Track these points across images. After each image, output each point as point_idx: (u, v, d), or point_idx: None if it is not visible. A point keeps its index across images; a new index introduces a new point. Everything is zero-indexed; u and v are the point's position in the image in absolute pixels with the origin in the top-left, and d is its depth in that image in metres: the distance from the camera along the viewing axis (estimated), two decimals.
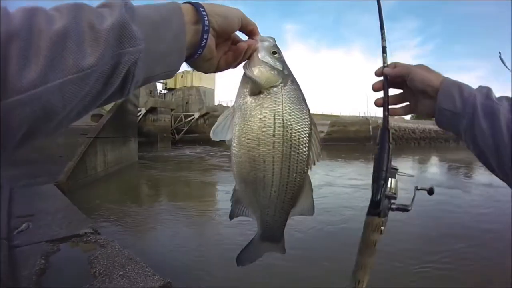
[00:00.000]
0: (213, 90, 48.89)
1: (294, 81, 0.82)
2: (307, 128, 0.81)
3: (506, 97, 0.77)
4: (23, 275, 2.98)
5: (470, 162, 22.47)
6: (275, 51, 0.82)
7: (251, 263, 0.93)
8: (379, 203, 0.89)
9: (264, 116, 0.78)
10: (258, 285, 4.36)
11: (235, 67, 0.80)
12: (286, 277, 4.51)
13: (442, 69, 0.89)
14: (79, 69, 0.45)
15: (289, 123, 0.78)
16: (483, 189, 11.46)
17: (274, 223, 0.87)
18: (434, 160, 24.30)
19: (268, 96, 0.79)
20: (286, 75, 0.81)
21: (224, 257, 5.00)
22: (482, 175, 15.30)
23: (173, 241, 5.95)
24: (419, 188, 0.96)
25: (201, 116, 37.54)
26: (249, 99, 0.79)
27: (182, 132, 36.87)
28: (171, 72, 0.65)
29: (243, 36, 0.79)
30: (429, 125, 49.35)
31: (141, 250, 4.91)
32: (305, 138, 0.80)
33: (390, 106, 0.95)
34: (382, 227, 0.91)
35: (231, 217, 0.89)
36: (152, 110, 29.47)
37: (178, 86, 47.23)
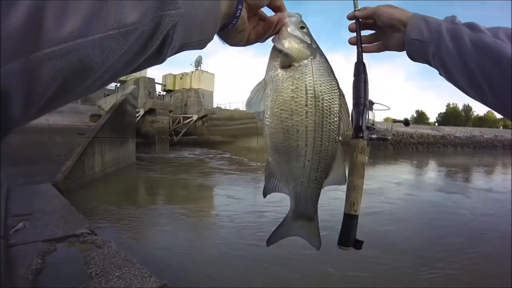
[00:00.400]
0: (212, 92, 48.82)
1: (322, 54, 0.85)
2: (336, 99, 0.83)
3: (468, 23, 0.80)
4: (19, 274, 2.96)
5: (468, 166, 22.59)
6: (303, 26, 0.85)
7: (280, 240, 0.95)
8: (361, 127, 0.92)
9: (296, 87, 0.81)
10: (258, 284, 4.34)
11: (263, 40, 0.83)
12: (287, 277, 4.49)
13: None
14: (121, 25, 0.45)
15: (320, 94, 0.81)
16: (483, 193, 11.50)
17: (307, 195, 0.88)
18: (433, 164, 24.31)
19: (299, 68, 0.81)
20: (314, 49, 0.84)
21: (223, 260, 4.98)
22: (481, 180, 15.36)
23: (171, 243, 5.89)
24: (395, 120, 1.04)
25: (199, 118, 37.43)
26: (280, 71, 0.82)
27: (181, 134, 36.79)
28: (205, 41, 0.67)
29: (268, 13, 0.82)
30: (427, 130, 49.53)
31: (138, 252, 4.88)
32: (335, 108, 0.83)
33: (364, 44, 0.99)
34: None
35: (265, 193, 0.91)
36: (150, 112, 29.41)
37: (177, 88, 47.19)
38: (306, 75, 0.81)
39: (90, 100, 31.06)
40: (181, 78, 47.49)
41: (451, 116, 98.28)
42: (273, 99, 0.82)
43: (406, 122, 1.07)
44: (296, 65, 0.81)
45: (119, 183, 12.59)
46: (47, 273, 3.07)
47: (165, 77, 48.77)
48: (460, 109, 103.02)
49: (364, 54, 0.99)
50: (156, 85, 40.85)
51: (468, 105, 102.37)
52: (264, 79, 0.85)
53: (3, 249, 3.40)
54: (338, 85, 0.84)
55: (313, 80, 0.81)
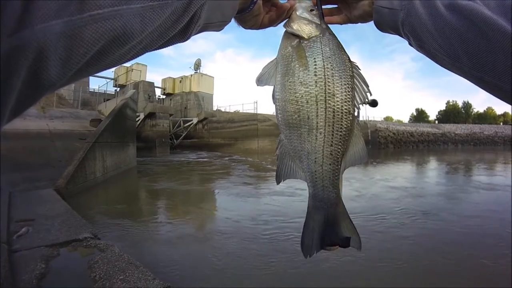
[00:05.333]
0: (212, 95, 48.79)
1: (331, 33, 0.87)
2: (348, 71, 0.83)
3: None
4: (23, 279, 2.97)
5: (470, 163, 22.56)
6: (312, 9, 0.89)
7: (317, 250, 0.86)
8: None
9: (305, 59, 0.83)
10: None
11: (276, 25, 0.88)
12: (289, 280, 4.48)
13: None
14: None
15: (330, 65, 0.82)
16: (489, 189, 11.43)
17: (323, 174, 0.84)
18: (435, 163, 24.19)
19: (308, 44, 0.84)
20: (323, 28, 0.87)
21: (227, 265, 4.94)
22: (486, 176, 15.28)
23: (175, 246, 5.84)
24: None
25: (199, 121, 37.35)
26: (290, 49, 0.85)
27: (181, 137, 36.79)
28: (224, 23, 0.71)
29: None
30: (427, 128, 49.54)
31: (141, 255, 4.87)
32: (347, 80, 0.83)
33: (327, 17, 0.96)
34: None
35: (278, 178, 0.88)
36: (150, 115, 29.28)
37: (176, 92, 47.31)
38: (314, 49, 0.83)
39: (90, 104, 31.03)
40: (180, 81, 47.57)
41: (451, 114, 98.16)
42: (283, 73, 0.84)
43: (373, 103, 1.04)
44: (305, 42, 0.84)
45: (121, 188, 12.52)
46: (51, 278, 3.06)
47: (164, 80, 48.89)
48: (460, 106, 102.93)
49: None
50: (156, 89, 40.82)
51: (467, 102, 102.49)
52: (276, 58, 0.87)
53: (7, 254, 3.40)
54: (349, 59, 0.85)
55: (322, 53, 0.83)
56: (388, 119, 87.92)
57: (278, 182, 0.88)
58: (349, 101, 0.82)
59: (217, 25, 0.69)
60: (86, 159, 10.68)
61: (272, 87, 0.86)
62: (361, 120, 38.83)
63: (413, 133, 45.81)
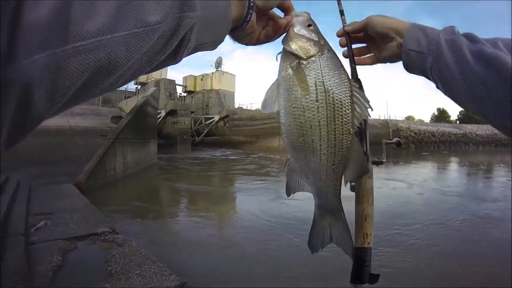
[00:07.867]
0: (233, 93, 49.20)
1: (330, 50, 0.86)
2: (347, 91, 0.84)
3: (466, 34, 0.77)
4: (38, 270, 3.01)
5: (491, 163, 22.21)
6: (310, 24, 0.87)
7: (322, 247, 0.94)
8: (366, 151, 0.92)
9: (306, 84, 0.82)
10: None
11: (273, 41, 0.86)
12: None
13: None
14: (146, 24, 0.47)
15: (330, 88, 0.82)
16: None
17: (328, 189, 0.89)
18: (458, 164, 23.86)
19: (308, 66, 0.83)
20: (322, 45, 0.86)
21: (243, 263, 4.90)
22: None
23: (193, 243, 5.82)
24: (387, 142, 1.05)
25: (221, 119, 37.72)
26: (290, 70, 0.84)
27: (202, 135, 37.10)
28: (217, 43, 0.69)
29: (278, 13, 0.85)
30: (449, 128, 48.97)
31: (159, 251, 4.85)
32: (347, 101, 0.83)
33: (357, 57, 0.98)
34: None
35: (288, 192, 0.92)
36: (172, 113, 29.60)
37: (198, 89, 47.78)
38: (314, 71, 0.83)
39: (111, 102, 31.52)
40: (201, 79, 48.02)
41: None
42: (286, 98, 0.84)
43: (397, 144, 1.08)
44: (304, 63, 0.84)
45: (140, 183, 12.65)
46: (67, 270, 3.11)
47: (185, 78, 49.34)
48: None
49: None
50: (177, 86, 41.16)
51: None
52: (276, 79, 0.87)
53: (23, 246, 3.43)
54: (348, 78, 0.85)
55: (322, 76, 0.83)
56: (409, 118, 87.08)
57: (288, 195, 0.93)
58: (349, 122, 0.84)
59: (210, 45, 0.68)
60: (106, 155, 10.85)
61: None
62: (382, 119, 38.89)
63: (434, 133, 45.31)
